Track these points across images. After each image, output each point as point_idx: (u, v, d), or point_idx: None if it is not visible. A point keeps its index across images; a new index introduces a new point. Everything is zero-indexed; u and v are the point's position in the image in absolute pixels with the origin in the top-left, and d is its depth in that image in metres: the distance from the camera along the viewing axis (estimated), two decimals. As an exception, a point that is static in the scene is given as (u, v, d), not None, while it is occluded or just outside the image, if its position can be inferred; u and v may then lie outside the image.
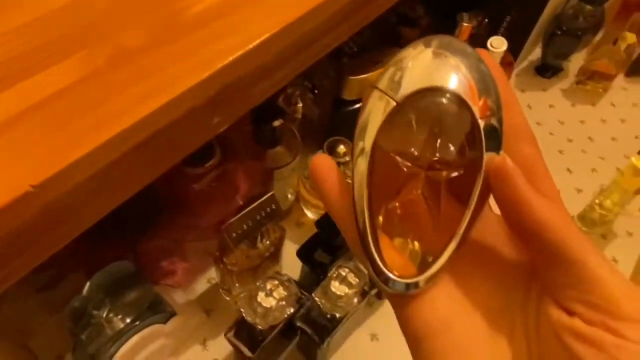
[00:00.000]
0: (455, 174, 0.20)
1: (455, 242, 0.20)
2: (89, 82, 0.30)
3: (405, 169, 0.21)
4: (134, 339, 0.46)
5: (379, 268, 0.20)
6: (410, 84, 0.19)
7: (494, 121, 0.19)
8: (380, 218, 0.21)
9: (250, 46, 0.33)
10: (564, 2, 0.83)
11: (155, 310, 0.48)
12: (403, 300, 0.21)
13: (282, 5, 0.35)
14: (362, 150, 0.20)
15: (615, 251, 0.68)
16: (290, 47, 0.38)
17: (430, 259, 0.20)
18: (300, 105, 0.64)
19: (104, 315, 0.42)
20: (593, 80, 0.85)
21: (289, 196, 0.64)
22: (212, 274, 0.60)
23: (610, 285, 0.17)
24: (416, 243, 0.22)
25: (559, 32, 0.80)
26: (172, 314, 0.51)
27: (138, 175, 0.33)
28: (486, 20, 0.79)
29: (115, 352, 0.45)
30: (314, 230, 0.53)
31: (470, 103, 0.19)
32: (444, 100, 0.19)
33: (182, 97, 0.30)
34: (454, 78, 0.19)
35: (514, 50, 0.82)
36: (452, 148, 0.20)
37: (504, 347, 0.20)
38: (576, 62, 0.89)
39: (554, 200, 0.19)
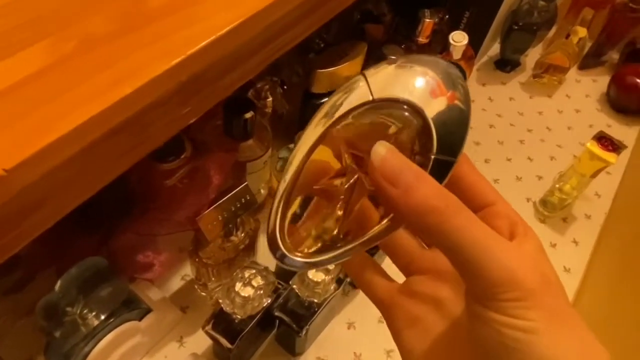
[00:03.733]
0: None
1: (339, 250, 0.22)
2: (56, 69, 0.29)
3: (347, 161, 0.22)
4: (109, 336, 0.45)
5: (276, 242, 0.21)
6: (395, 89, 0.20)
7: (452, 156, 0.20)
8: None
9: (219, 34, 0.33)
10: (519, -1, 0.87)
11: (130, 306, 0.48)
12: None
13: (252, -4, 0.36)
14: (316, 125, 0.21)
15: (576, 233, 0.71)
16: (259, 37, 0.39)
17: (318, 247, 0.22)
18: (270, 99, 0.64)
19: (78, 312, 0.41)
20: (549, 73, 0.90)
21: (262, 191, 0.64)
22: (186, 271, 0.60)
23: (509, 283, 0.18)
24: (313, 230, 0.23)
25: (516, 27, 0.84)
26: (147, 311, 0.50)
27: (110, 164, 0.33)
28: (447, 16, 0.82)
29: (90, 350, 0.44)
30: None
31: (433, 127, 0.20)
32: (411, 118, 0.20)
33: (152, 83, 0.30)
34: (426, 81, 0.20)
35: (474, 45, 0.85)
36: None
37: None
38: (533, 57, 0.93)
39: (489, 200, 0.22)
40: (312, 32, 0.44)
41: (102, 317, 0.44)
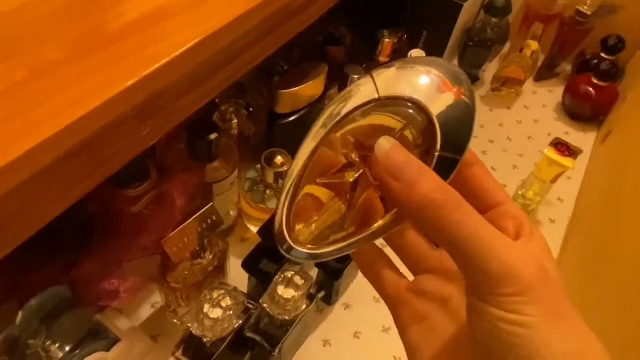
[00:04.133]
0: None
1: (340, 245, 0.22)
2: (7, 95, 0.29)
3: (353, 157, 0.22)
4: (75, 369, 0.44)
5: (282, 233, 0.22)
6: (400, 87, 0.21)
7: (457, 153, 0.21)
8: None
9: (176, 53, 0.34)
10: (474, 17, 0.91)
11: (97, 337, 0.47)
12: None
13: (207, 16, 0.37)
14: (322, 120, 0.21)
15: (542, 238, 0.73)
16: (217, 56, 0.39)
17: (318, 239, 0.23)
18: (235, 121, 0.65)
19: (41, 344, 0.40)
20: (506, 86, 0.93)
21: (231, 212, 0.64)
22: (156, 299, 0.58)
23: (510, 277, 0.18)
24: (314, 225, 0.23)
25: (471, 44, 0.87)
26: (116, 341, 0.49)
27: (69, 188, 0.33)
28: (405, 36, 0.85)
29: (55, 385, 0.43)
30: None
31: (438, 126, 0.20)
32: (415, 115, 0.21)
33: (107, 105, 0.30)
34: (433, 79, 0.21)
35: (434, 63, 0.88)
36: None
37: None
38: (490, 72, 0.96)
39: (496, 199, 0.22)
40: (273, 53, 0.45)
41: (67, 349, 0.42)
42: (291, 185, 0.22)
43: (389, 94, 0.21)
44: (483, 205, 0.23)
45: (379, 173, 0.20)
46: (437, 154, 0.20)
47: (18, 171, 0.27)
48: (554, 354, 0.18)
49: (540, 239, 0.22)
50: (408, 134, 0.21)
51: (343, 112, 0.21)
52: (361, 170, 0.22)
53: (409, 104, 0.21)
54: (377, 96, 0.21)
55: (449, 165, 0.21)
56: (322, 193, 0.23)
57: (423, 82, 0.21)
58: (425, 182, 0.19)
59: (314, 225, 0.23)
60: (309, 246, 0.22)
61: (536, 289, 0.18)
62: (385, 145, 0.20)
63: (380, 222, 0.22)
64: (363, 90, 0.21)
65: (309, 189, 0.23)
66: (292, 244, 0.22)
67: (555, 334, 0.18)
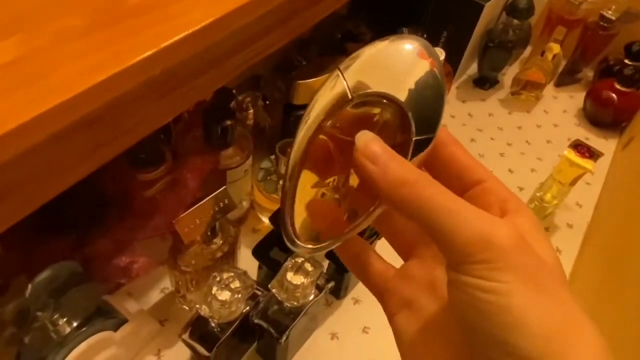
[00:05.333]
0: None
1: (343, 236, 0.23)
2: (28, 59, 0.30)
3: (335, 155, 0.23)
4: (82, 346, 0.43)
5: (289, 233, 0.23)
6: (370, 81, 0.21)
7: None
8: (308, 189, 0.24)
9: (193, 29, 0.34)
10: (496, 18, 0.90)
11: (105, 315, 0.47)
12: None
13: (225, -2, 0.37)
14: (305, 126, 0.22)
15: (558, 242, 0.71)
16: (233, 37, 0.40)
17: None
18: (251, 111, 0.65)
19: (49, 317, 0.40)
20: (526, 90, 0.92)
21: (244, 203, 0.64)
22: (166, 284, 0.58)
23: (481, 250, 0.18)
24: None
25: (491, 45, 0.86)
26: (123, 321, 0.49)
27: (83, 157, 0.33)
28: (425, 35, 0.84)
29: (62, 360, 0.43)
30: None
31: (411, 116, 0.21)
32: (389, 105, 0.21)
33: (124, 74, 0.31)
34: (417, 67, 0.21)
35: (453, 63, 0.87)
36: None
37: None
38: (510, 75, 0.95)
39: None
40: (291, 48, 0.45)
41: (75, 324, 0.42)
42: (290, 186, 0.22)
43: (361, 92, 0.21)
44: (464, 184, 0.23)
45: (358, 159, 0.21)
46: (413, 138, 0.21)
47: (32, 133, 0.27)
48: (533, 325, 0.17)
49: (527, 215, 0.21)
50: (388, 120, 0.22)
51: (318, 120, 0.22)
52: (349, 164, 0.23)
53: (382, 98, 0.22)
54: (350, 97, 0.21)
55: (425, 144, 0.22)
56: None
57: (407, 48, 0.21)
58: (399, 165, 0.20)
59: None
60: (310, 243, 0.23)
61: (510, 254, 0.18)
62: (363, 136, 0.21)
63: (364, 216, 0.23)
64: (335, 91, 0.22)
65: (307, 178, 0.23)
66: (295, 239, 0.23)
67: (533, 302, 0.17)
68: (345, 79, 0.21)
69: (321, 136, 0.22)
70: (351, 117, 0.22)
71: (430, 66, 0.21)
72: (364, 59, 0.22)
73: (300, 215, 0.23)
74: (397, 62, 0.21)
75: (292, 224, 0.23)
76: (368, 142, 0.21)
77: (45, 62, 0.30)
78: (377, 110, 0.22)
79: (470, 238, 0.18)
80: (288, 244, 0.23)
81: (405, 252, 0.26)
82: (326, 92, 0.22)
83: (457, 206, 0.19)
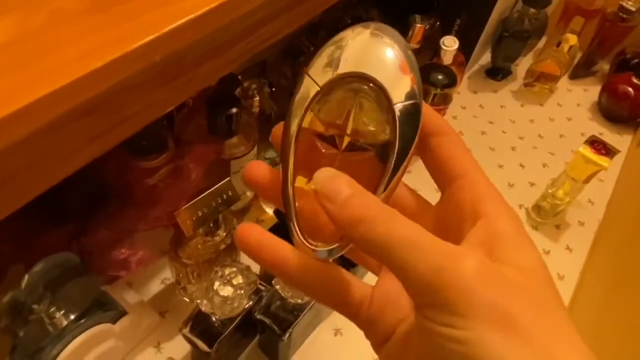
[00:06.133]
0: (368, 155, 0.21)
1: None
2: (24, 40, 0.28)
3: (323, 150, 0.22)
4: (80, 338, 0.42)
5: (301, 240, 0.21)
6: (342, 66, 0.21)
7: (416, 99, 0.20)
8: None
9: (196, 14, 0.32)
10: (511, 7, 0.87)
11: (103, 307, 0.45)
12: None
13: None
14: (289, 132, 0.21)
15: (569, 240, 0.69)
16: (237, 23, 0.38)
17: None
18: (257, 99, 0.63)
19: (45, 310, 0.39)
20: (540, 82, 0.89)
21: (247, 193, 0.63)
22: (167, 274, 0.57)
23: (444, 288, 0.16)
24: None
25: (506, 35, 0.83)
26: (122, 313, 0.48)
27: (81, 146, 0.31)
28: (438, 23, 0.81)
29: (59, 353, 0.42)
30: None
31: (390, 89, 0.20)
32: (365, 87, 0.21)
33: (123, 59, 0.29)
34: (388, 55, 0.20)
35: (465, 52, 0.85)
36: (367, 129, 0.21)
37: None
38: (524, 66, 0.93)
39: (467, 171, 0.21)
40: (298, 34, 0.43)
41: (72, 317, 0.41)
42: (289, 201, 0.21)
43: (324, 81, 0.21)
44: (446, 179, 0.21)
45: (318, 198, 0.19)
46: (396, 105, 0.20)
47: (28, 120, 0.26)
48: None
49: (507, 217, 0.19)
50: (364, 101, 0.21)
51: (299, 117, 0.21)
52: (338, 156, 0.22)
53: (350, 79, 0.21)
54: (317, 88, 0.21)
55: (413, 110, 0.20)
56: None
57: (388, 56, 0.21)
58: (358, 200, 0.18)
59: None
60: (320, 243, 0.22)
61: (471, 292, 0.16)
62: (322, 174, 0.20)
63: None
64: (302, 89, 0.21)
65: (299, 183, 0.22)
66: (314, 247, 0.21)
67: (508, 352, 0.15)
68: (310, 76, 0.21)
69: (308, 135, 0.22)
70: (333, 110, 0.22)
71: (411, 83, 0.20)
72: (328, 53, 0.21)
73: (304, 218, 0.22)
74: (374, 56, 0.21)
75: (299, 229, 0.22)
76: (326, 180, 0.19)
77: (40, 45, 0.28)
78: (351, 96, 0.21)
79: (426, 275, 0.16)
80: (299, 248, 0.22)
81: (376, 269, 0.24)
82: (296, 94, 0.21)
83: (416, 239, 0.17)
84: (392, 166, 0.20)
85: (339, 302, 0.22)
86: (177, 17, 0.32)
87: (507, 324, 0.15)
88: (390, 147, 0.20)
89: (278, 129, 0.23)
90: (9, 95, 0.25)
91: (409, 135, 0.20)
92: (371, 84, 0.21)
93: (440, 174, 0.22)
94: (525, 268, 0.17)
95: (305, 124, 0.21)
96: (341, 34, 0.21)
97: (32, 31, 0.29)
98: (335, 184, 0.19)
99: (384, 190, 0.21)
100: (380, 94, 0.21)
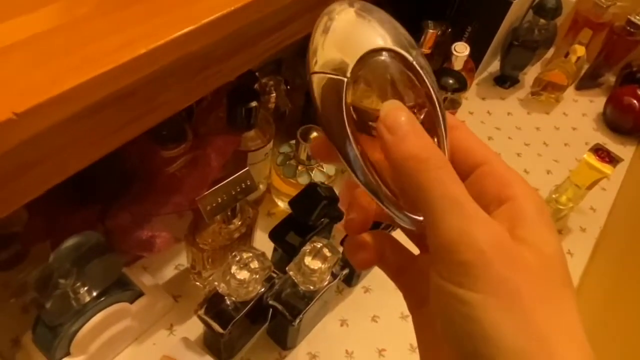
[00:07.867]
0: (423, 113, 0.22)
1: None
2: (71, 27, 0.30)
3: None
4: (99, 316, 0.44)
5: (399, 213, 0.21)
6: (349, 54, 0.20)
7: (417, 48, 0.22)
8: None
9: (235, 7, 0.35)
10: (521, 17, 0.89)
11: (122, 287, 0.47)
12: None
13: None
14: (346, 138, 0.20)
15: (571, 245, 0.71)
16: (270, 18, 0.40)
17: None
18: (273, 95, 0.65)
19: (71, 285, 0.41)
20: (547, 91, 0.91)
21: (261, 186, 0.64)
22: (181, 261, 0.59)
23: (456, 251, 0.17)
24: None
25: (516, 44, 0.85)
26: (140, 294, 0.50)
27: (115, 129, 0.33)
28: (450, 29, 0.84)
29: (79, 329, 0.43)
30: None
31: (403, 51, 0.21)
32: (383, 58, 0.21)
33: (164, 48, 0.31)
34: (384, 33, 0.21)
35: (475, 59, 0.87)
36: (409, 94, 0.21)
37: None
38: (531, 75, 0.94)
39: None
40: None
41: (94, 294, 0.43)
42: (377, 193, 0.21)
43: (351, 65, 0.20)
44: (467, 167, 0.22)
45: (378, 128, 0.20)
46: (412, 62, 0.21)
47: (74, 100, 0.28)
48: (506, 341, 0.16)
49: (533, 200, 0.20)
50: (394, 73, 0.21)
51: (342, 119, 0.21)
52: None
53: (369, 57, 0.21)
54: (344, 79, 0.20)
55: (424, 62, 0.22)
56: None
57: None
58: (416, 139, 0.19)
59: None
60: None
61: (490, 262, 0.17)
62: (387, 106, 0.20)
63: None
64: (329, 90, 0.20)
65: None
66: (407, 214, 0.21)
67: (502, 321, 0.16)
68: (326, 73, 0.20)
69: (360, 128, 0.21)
70: (370, 91, 0.21)
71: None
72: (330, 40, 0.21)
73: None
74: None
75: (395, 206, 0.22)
76: (389, 111, 0.20)
77: (87, 32, 0.30)
78: (382, 72, 0.21)
79: (453, 232, 0.17)
80: (402, 223, 0.22)
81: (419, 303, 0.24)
82: (325, 101, 0.20)
83: (457, 195, 0.18)
84: (440, 115, 0.21)
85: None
86: (214, 10, 0.34)
87: (513, 300, 0.17)
88: (429, 101, 0.21)
89: (317, 143, 0.23)
90: (57, 77, 0.27)
91: (436, 84, 0.21)
92: (384, 53, 0.21)
93: (459, 165, 0.21)
94: (543, 253, 0.18)
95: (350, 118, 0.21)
96: (320, 20, 0.22)
97: (80, 18, 0.31)
98: (398, 116, 0.20)
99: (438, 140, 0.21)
100: (396, 57, 0.21)
